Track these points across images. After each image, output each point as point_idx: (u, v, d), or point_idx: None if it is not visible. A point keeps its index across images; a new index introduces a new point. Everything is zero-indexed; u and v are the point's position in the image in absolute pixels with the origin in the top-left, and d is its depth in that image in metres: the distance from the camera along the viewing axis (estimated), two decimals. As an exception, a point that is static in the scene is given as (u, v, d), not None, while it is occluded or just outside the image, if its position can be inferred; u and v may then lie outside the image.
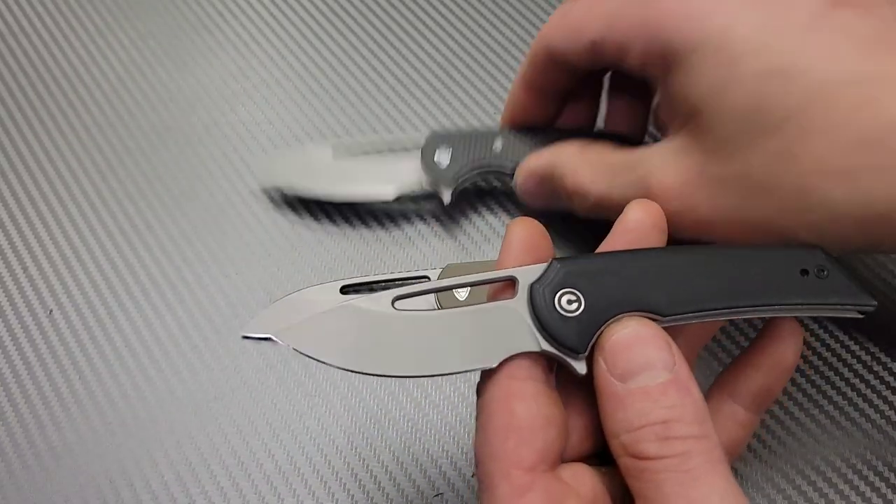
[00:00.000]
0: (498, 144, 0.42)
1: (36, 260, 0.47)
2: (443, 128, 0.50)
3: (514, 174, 0.41)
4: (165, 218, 0.48)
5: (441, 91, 0.53)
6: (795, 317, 0.31)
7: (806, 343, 0.42)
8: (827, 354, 0.42)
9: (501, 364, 0.26)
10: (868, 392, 0.40)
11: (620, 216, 0.30)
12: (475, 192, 0.48)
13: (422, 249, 0.47)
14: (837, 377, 0.41)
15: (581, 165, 0.36)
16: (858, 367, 0.41)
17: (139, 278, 0.46)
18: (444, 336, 0.26)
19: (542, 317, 0.26)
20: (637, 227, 0.30)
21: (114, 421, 0.41)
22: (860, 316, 0.30)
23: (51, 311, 0.45)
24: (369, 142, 0.47)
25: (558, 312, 0.26)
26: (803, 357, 0.42)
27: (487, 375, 0.27)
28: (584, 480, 0.27)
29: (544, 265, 0.27)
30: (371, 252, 0.47)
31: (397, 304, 0.27)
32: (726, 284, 0.28)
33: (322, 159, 0.47)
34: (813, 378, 0.41)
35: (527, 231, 0.29)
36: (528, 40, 0.56)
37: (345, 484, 0.39)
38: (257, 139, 0.52)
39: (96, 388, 0.42)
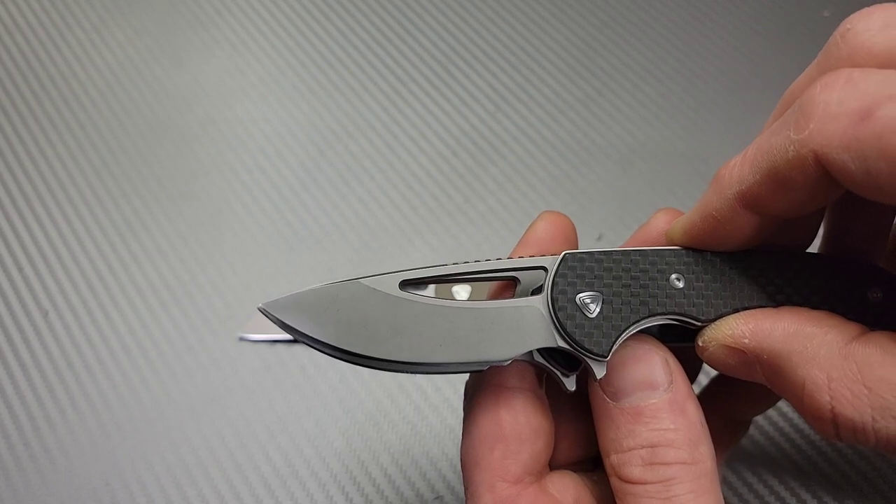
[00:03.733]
0: (677, 280, 0.26)
1: (31, 260, 0.46)
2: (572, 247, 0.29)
3: (701, 329, 0.25)
4: (161, 217, 0.48)
5: (440, 88, 0.53)
6: None
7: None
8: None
9: (492, 369, 0.25)
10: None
11: (643, 225, 0.27)
12: (472, 188, 0.48)
13: (421, 250, 0.46)
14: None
15: (845, 376, 0.21)
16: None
17: (135, 278, 0.45)
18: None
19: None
20: (660, 238, 0.27)
21: (109, 423, 0.41)
22: None
23: (47, 312, 0.45)
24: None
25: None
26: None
27: (477, 378, 0.26)
28: (569, 491, 0.26)
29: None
30: (369, 252, 0.46)
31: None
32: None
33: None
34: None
35: (550, 228, 0.27)
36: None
37: (343, 487, 0.39)
38: (254, 137, 0.51)
39: (92, 390, 0.42)
